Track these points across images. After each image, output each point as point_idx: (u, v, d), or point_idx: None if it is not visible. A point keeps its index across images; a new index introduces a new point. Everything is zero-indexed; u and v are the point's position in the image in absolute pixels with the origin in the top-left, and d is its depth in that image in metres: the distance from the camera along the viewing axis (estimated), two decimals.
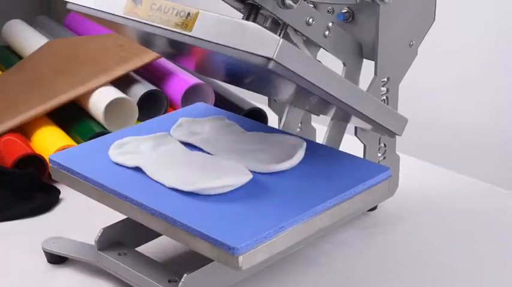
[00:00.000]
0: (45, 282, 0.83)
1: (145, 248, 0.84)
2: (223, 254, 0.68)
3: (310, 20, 0.80)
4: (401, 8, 0.86)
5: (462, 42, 1.25)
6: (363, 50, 0.88)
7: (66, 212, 0.97)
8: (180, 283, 0.73)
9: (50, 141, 1.07)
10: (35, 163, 1.03)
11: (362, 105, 0.77)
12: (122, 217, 0.81)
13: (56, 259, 0.85)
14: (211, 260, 0.73)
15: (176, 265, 0.81)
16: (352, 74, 0.87)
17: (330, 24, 0.81)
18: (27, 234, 0.92)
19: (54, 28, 1.52)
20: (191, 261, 0.76)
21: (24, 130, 1.12)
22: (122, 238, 0.82)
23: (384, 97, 0.89)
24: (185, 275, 0.73)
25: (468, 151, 1.26)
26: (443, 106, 1.29)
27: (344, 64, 0.86)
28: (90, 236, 0.83)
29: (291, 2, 0.74)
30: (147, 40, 0.85)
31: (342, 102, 0.75)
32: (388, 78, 0.88)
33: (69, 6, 0.81)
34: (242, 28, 0.67)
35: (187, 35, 0.70)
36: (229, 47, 0.67)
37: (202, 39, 0.69)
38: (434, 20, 0.90)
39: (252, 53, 0.66)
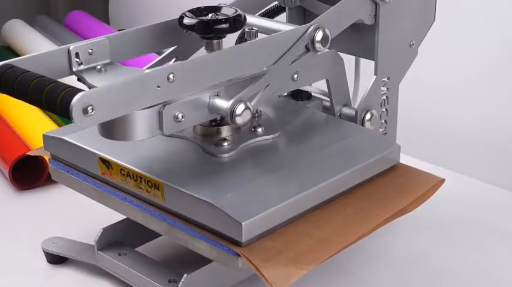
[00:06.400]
0: (45, 282, 0.83)
1: (145, 248, 0.84)
2: (223, 255, 0.68)
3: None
4: (402, 8, 0.86)
5: (462, 42, 1.25)
6: (362, 50, 0.88)
7: (66, 212, 0.97)
8: (180, 283, 0.73)
9: None
10: (34, 164, 1.03)
11: (362, 177, 0.78)
12: (122, 217, 0.81)
13: (56, 259, 0.85)
14: (211, 260, 0.72)
15: (176, 265, 0.81)
16: (338, 82, 0.85)
17: (298, 70, 0.79)
18: (27, 234, 0.92)
19: (54, 28, 1.52)
20: (191, 261, 0.76)
21: (23, 130, 1.12)
22: (122, 238, 0.82)
23: (384, 97, 0.89)
24: (185, 275, 0.73)
25: (468, 151, 1.25)
26: (443, 106, 1.29)
27: (327, 80, 0.84)
28: (90, 236, 0.83)
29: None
30: None
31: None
32: (388, 78, 0.88)
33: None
34: (212, 208, 0.67)
35: (161, 205, 0.72)
36: (201, 223, 0.69)
37: (176, 212, 0.71)
38: (434, 20, 0.90)
39: (223, 233, 0.68)
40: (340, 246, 0.69)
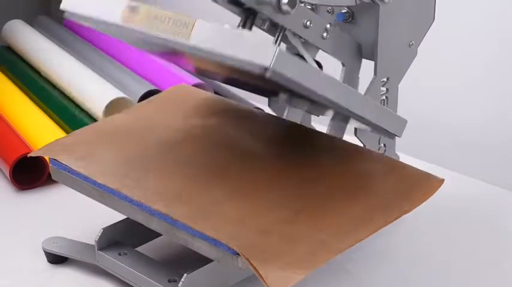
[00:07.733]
0: (45, 282, 0.83)
1: (145, 248, 0.84)
2: (223, 255, 0.68)
3: (308, 23, 0.79)
4: (401, 8, 0.86)
5: (462, 42, 1.25)
6: (362, 50, 0.88)
7: (66, 212, 0.97)
8: (180, 283, 0.73)
9: (49, 141, 1.07)
10: (34, 164, 1.03)
11: (361, 109, 0.77)
12: (122, 217, 0.81)
13: (56, 259, 0.85)
14: (211, 260, 0.73)
15: (176, 265, 0.81)
16: (352, 73, 0.87)
17: (328, 26, 0.81)
18: (27, 234, 0.92)
19: (55, 28, 1.52)
20: (191, 261, 0.76)
21: (23, 130, 1.12)
22: (122, 238, 0.82)
23: (384, 97, 0.89)
24: (185, 275, 0.74)
25: (468, 151, 1.26)
26: (444, 106, 1.29)
27: (343, 64, 0.86)
28: (90, 236, 0.83)
29: (288, 8, 0.73)
30: (145, 45, 0.85)
31: (340, 106, 0.75)
32: (387, 78, 0.88)
33: (66, 15, 0.81)
34: (240, 37, 0.66)
35: (185, 44, 0.70)
36: (227, 55, 0.67)
37: (201, 48, 0.69)
38: (434, 20, 0.90)
39: (250, 62, 0.66)
40: (339, 250, 0.69)
